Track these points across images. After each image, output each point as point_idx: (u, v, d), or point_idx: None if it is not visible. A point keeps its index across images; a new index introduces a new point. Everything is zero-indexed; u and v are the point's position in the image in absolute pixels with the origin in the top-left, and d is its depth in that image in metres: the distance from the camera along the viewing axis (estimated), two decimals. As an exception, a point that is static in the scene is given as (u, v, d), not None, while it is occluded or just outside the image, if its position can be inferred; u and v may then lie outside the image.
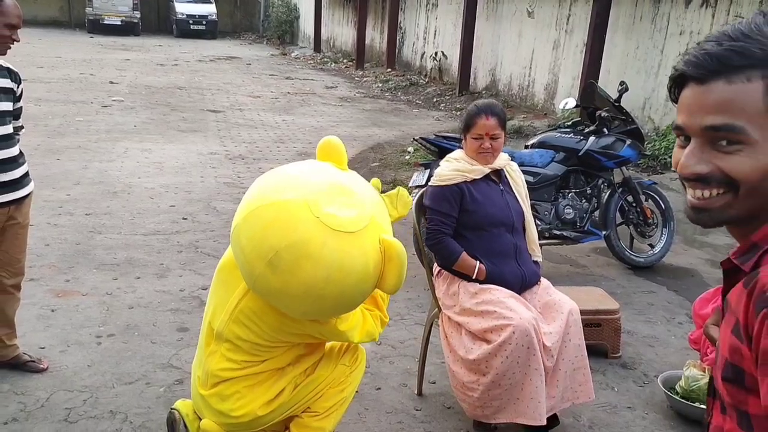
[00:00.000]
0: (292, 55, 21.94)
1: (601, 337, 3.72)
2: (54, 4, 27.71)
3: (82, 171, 6.91)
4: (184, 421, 2.56)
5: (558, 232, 4.76)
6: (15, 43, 2.90)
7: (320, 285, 1.96)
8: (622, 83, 5.09)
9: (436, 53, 15.25)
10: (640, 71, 9.40)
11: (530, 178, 4.68)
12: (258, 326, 2.26)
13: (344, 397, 2.57)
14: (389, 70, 16.89)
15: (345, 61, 19.88)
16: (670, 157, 8.35)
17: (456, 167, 3.03)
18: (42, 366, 3.28)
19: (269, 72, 16.83)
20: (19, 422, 2.88)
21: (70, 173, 6.78)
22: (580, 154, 4.81)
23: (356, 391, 3.27)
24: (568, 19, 11.03)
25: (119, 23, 24.43)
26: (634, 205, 5.10)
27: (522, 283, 2.98)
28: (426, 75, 15.98)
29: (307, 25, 24.91)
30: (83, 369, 3.33)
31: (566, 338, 2.83)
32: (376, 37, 19.14)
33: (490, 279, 2.92)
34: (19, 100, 3.11)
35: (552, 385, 2.79)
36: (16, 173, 3.00)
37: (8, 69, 3.03)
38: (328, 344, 2.59)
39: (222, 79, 14.80)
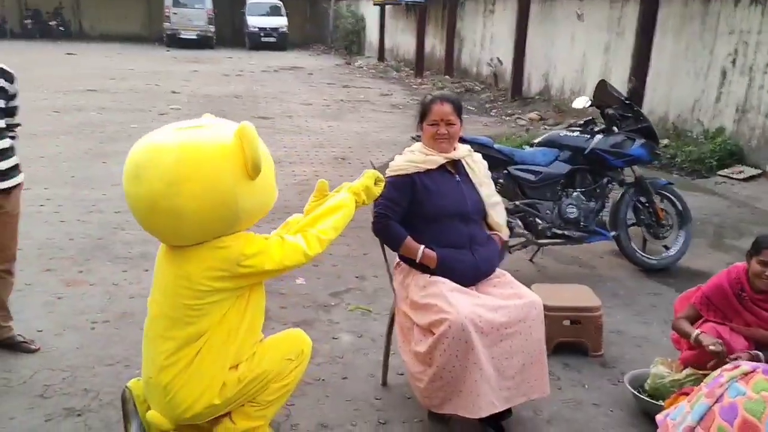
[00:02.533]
0: (356, 64, 22.26)
1: (581, 335, 3.65)
2: (137, 20, 29.58)
3: (124, 173, 7.26)
4: (134, 401, 2.66)
5: (560, 231, 4.69)
6: None
7: (175, 168, 2.18)
8: (631, 79, 5.01)
9: (491, 59, 15.17)
10: (689, 72, 9.06)
11: (531, 177, 4.64)
12: (180, 285, 2.35)
13: (287, 390, 2.62)
14: (447, 77, 16.90)
15: (407, 69, 20.02)
16: (717, 160, 8.00)
17: (409, 158, 3.06)
18: (34, 347, 3.51)
19: (328, 81, 17.16)
20: (-2, 396, 3.10)
21: (112, 175, 7.13)
22: (585, 152, 4.73)
23: (322, 380, 3.37)
24: (618, 21, 10.77)
25: (195, 37, 25.57)
26: (646, 205, 4.96)
27: (476, 273, 2.97)
28: (483, 81, 15.92)
29: (372, 34, 25.24)
30: (71, 351, 3.54)
31: (527, 331, 2.81)
32: (436, 45, 19.19)
33: (441, 268, 2.93)
34: (13, 99, 3.36)
35: (507, 377, 2.77)
36: (2, 165, 3.23)
37: (2, 69, 3.28)
38: (270, 337, 2.64)
39: (280, 88, 15.20)
